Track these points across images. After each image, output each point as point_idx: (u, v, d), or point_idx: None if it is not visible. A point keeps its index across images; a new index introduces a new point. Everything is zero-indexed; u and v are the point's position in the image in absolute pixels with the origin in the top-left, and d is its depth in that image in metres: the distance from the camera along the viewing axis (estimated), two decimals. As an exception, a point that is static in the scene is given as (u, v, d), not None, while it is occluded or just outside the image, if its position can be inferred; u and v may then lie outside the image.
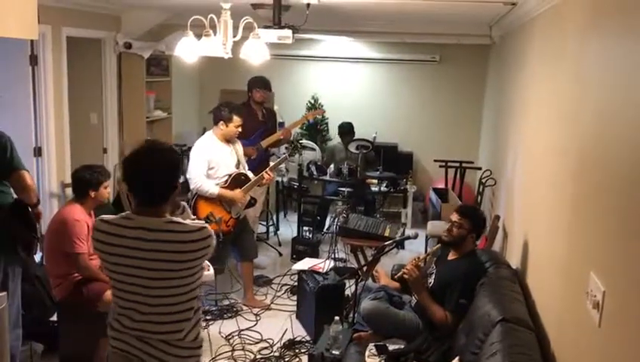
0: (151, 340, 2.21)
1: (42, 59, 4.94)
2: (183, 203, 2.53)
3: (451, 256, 3.57)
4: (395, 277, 3.81)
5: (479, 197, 5.73)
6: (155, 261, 2.13)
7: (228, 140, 4.58)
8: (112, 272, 2.20)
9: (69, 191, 5.25)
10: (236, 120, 4.51)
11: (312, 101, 7.70)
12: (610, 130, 2.01)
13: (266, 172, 4.71)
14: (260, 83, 5.59)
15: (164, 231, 2.14)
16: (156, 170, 2.17)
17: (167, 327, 2.19)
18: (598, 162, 2.13)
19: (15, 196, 3.29)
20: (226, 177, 4.53)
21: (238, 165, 4.65)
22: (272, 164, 5.18)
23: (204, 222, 2.32)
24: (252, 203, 4.76)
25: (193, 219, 2.47)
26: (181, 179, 6.53)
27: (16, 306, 3.29)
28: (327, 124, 7.78)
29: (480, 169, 6.26)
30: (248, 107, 5.45)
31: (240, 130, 4.58)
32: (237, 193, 4.52)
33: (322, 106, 7.63)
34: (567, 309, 2.39)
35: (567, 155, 2.62)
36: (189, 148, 6.88)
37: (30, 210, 3.30)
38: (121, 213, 2.23)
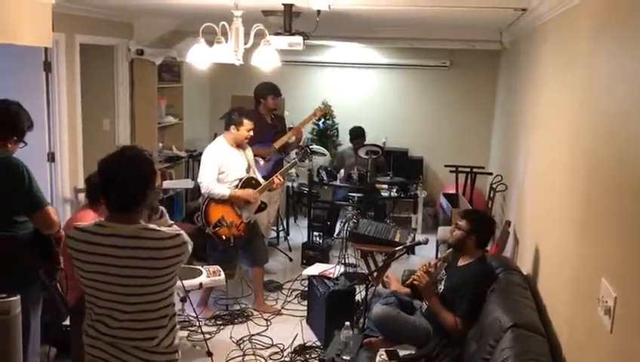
0: (124, 346, 2.20)
1: (56, 66, 4.99)
2: (162, 208, 2.50)
3: (461, 262, 3.56)
4: (406, 283, 3.81)
5: (490, 203, 5.71)
6: (129, 268, 2.12)
7: (238, 145, 4.61)
8: (86, 279, 2.20)
9: (82, 196, 5.31)
10: (247, 124, 4.54)
11: (322, 106, 7.72)
12: (622, 135, 2.00)
13: (277, 176, 4.75)
14: (274, 90, 5.65)
15: (139, 238, 2.13)
16: (126, 176, 2.15)
17: (140, 334, 2.19)
18: (609, 168, 2.13)
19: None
20: (237, 181, 4.56)
21: (248, 170, 4.68)
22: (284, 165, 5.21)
23: (178, 229, 2.31)
24: (262, 207, 4.79)
25: (171, 225, 2.44)
26: (191, 185, 6.59)
27: (38, 336, 3.24)
28: (337, 129, 7.79)
29: (491, 174, 6.24)
30: (257, 113, 5.49)
31: (251, 133, 4.61)
32: (248, 191, 4.55)
33: (332, 112, 7.64)
34: (579, 315, 2.39)
35: (579, 160, 2.62)
36: (200, 154, 6.95)
37: (51, 235, 3.15)
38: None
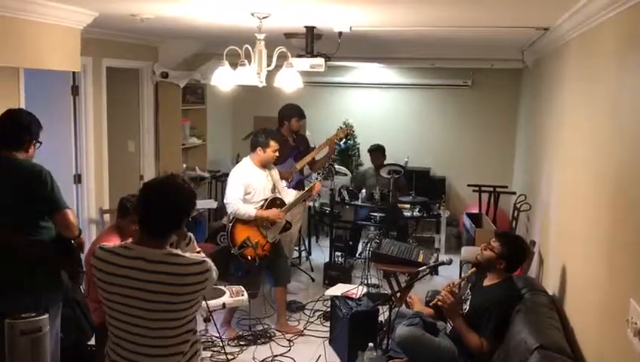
0: None
1: (83, 89, 5.11)
2: (190, 234, 2.53)
3: (487, 282, 3.52)
4: (430, 303, 3.77)
5: (514, 222, 5.66)
6: (152, 292, 2.12)
7: (264, 166, 4.65)
8: (108, 301, 2.20)
9: (108, 217, 5.39)
10: (273, 145, 4.59)
11: (344, 126, 7.75)
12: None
13: (318, 181, 4.81)
14: (298, 113, 5.69)
15: (163, 263, 2.14)
16: (167, 203, 2.19)
17: (161, 360, 2.18)
18: (636, 187, 2.10)
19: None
20: (262, 202, 4.59)
21: (274, 190, 4.71)
22: (307, 187, 5.22)
23: (203, 256, 2.32)
24: (287, 227, 4.80)
25: (199, 252, 2.46)
26: (214, 205, 6.61)
27: (54, 343, 3.30)
28: (358, 149, 7.81)
29: (514, 193, 6.19)
30: (280, 134, 5.52)
31: (277, 155, 4.65)
32: (273, 211, 4.57)
33: (354, 131, 7.67)
34: (608, 337, 2.34)
35: (605, 180, 2.59)
36: (223, 175, 7.03)
37: (73, 241, 3.30)
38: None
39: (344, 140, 7.62)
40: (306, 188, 4.80)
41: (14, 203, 3.03)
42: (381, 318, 4.43)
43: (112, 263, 2.17)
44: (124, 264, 2.15)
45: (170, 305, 2.15)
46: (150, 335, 2.16)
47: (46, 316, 2.85)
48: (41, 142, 3.26)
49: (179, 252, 2.23)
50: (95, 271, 2.21)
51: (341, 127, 7.01)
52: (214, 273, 2.26)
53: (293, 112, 5.68)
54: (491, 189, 6.31)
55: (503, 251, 3.43)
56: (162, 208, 2.19)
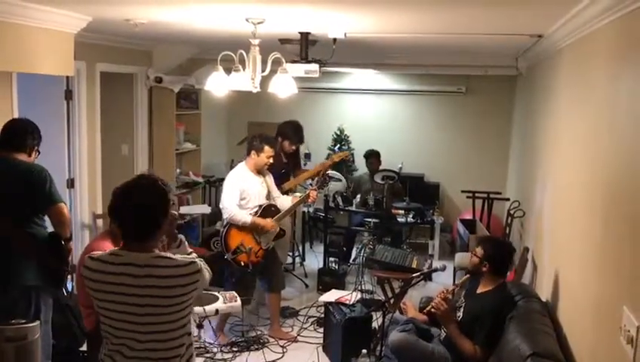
0: None
1: (77, 94, 5.10)
2: (181, 236, 2.49)
3: (480, 289, 3.52)
4: (424, 311, 3.77)
5: (507, 229, 5.66)
6: (144, 296, 2.11)
7: (259, 171, 4.64)
8: (102, 309, 2.18)
9: (101, 222, 5.36)
10: (267, 150, 4.56)
11: (338, 132, 7.76)
12: (640, 162, 1.99)
13: (313, 189, 4.80)
14: (293, 136, 5.41)
15: (152, 267, 2.12)
16: (140, 206, 2.15)
17: None
18: (629, 194, 2.11)
19: (50, 230, 3.44)
20: (257, 208, 4.57)
21: (268, 196, 4.69)
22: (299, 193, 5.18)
23: (195, 257, 2.30)
24: (281, 234, 4.78)
25: (190, 253, 2.44)
26: (208, 210, 6.50)
27: (47, 337, 3.33)
28: (352, 155, 7.81)
29: (508, 200, 6.19)
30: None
31: (271, 161, 4.61)
32: (269, 221, 4.56)
33: (348, 137, 7.68)
34: (601, 344, 2.34)
35: (598, 186, 2.60)
36: (217, 180, 7.01)
37: (63, 243, 3.39)
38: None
39: (338, 146, 7.62)
40: (301, 196, 4.77)
41: (14, 198, 3.26)
42: (375, 324, 4.42)
43: (101, 271, 2.15)
44: (115, 271, 2.13)
45: (163, 308, 2.13)
46: (145, 339, 2.15)
47: (36, 323, 2.85)
48: (39, 152, 3.51)
49: (168, 254, 2.21)
50: (86, 280, 2.18)
51: (336, 137, 6.94)
52: (206, 273, 2.25)
53: (287, 134, 5.38)
54: (485, 195, 6.31)
55: (484, 254, 3.47)
56: (133, 212, 2.15)
